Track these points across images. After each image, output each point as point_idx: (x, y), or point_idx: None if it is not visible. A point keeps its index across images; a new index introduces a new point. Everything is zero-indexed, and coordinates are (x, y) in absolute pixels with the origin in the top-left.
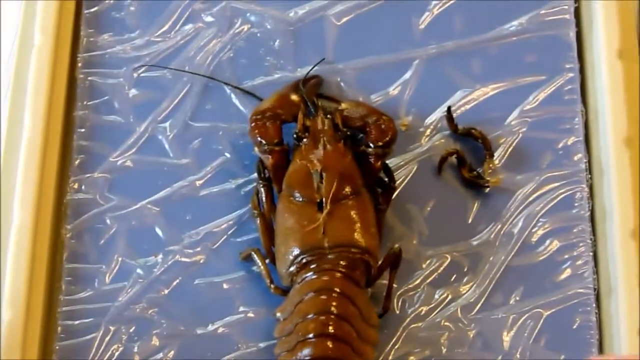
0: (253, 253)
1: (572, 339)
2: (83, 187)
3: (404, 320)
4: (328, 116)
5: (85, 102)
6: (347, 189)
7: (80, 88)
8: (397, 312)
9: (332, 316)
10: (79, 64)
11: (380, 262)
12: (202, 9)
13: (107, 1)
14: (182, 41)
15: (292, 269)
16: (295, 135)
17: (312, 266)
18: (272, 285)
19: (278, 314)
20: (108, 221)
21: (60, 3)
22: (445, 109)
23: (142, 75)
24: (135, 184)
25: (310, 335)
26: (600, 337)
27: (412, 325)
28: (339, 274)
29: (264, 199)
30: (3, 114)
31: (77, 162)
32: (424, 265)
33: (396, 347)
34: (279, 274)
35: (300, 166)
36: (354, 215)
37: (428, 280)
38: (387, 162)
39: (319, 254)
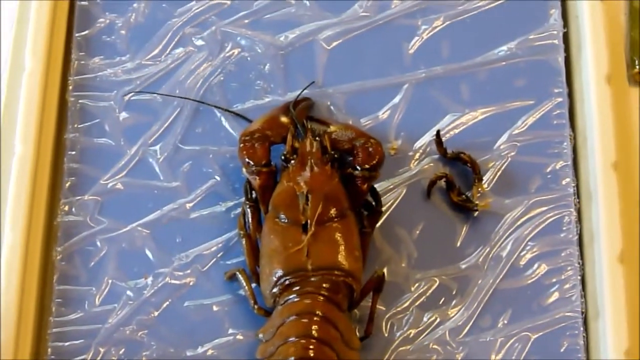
0: (238, 273)
1: None
2: (73, 210)
3: (392, 343)
4: (316, 138)
5: (76, 125)
6: (333, 212)
7: (71, 111)
8: (386, 335)
9: (313, 340)
10: (70, 87)
11: (363, 286)
12: (193, 33)
13: (98, 25)
14: (173, 65)
15: (275, 290)
16: (283, 157)
17: (295, 288)
18: (255, 306)
19: (260, 335)
20: (98, 243)
21: (51, 27)
22: (434, 133)
23: (133, 98)
24: (126, 206)
25: (291, 359)
26: None
27: (401, 348)
28: (321, 297)
29: (250, 219)
30: None
31: (67, 185)
32: (412, 288)
33: None
34: (262, 295)
35: (287, 188)
36: (339, 238)
37: (416, 304)
38: (375, 185)
39: (302, 276)
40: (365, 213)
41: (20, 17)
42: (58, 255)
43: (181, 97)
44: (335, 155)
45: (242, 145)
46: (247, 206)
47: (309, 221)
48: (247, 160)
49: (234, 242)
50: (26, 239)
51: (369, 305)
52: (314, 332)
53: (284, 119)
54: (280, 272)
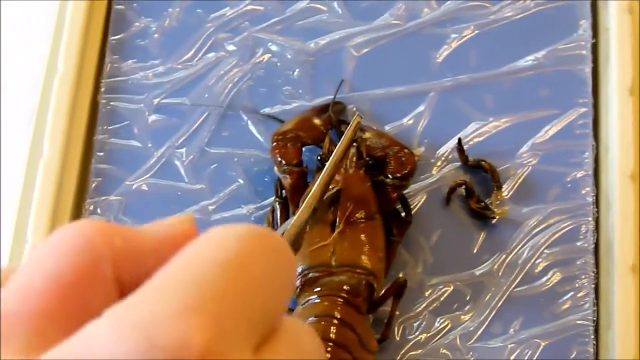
0: None
1: None
2: (98, 210)
3: (403, 347)
4: (354, 144)
5: (105, 127)
6: (361, 213)
7: (102, 113)
8: (397, 338)
9: (330, 343)
10: (102, 89)
11: (385, 290)
12: (225, 38)
13: (133, 28)
14: (204, 69)
15: (297, 282)
16: (319, 157)
17: (316, 289)
18: None
19: None
20: None
21: (86, 30)
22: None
23: (163, 101)
24: (149, 207)
25: None
26: None
27: (411, 352)
28: (340, 300)
29: (278, 216)
30: (26, 137)
31: (94, 185)
32: (426, 294)
33: None
34: None
35: None
36: (364, 238)
37: (430, 309)
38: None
39: (325, 271)
40: (395, 222)
41: (59, 20)
42: None
43: (208, 105)
44: (370, 162)
45: (274, 144)
46: (277, 203)
47: (337, 219)
48: (279, 159)
49: None
50: None
51: (385, 309)
52: (331, 334)
53: (317, 121)
54: (304, 265)
